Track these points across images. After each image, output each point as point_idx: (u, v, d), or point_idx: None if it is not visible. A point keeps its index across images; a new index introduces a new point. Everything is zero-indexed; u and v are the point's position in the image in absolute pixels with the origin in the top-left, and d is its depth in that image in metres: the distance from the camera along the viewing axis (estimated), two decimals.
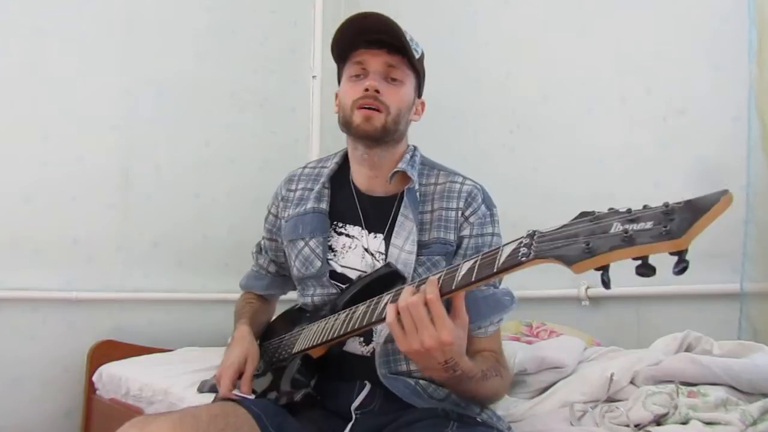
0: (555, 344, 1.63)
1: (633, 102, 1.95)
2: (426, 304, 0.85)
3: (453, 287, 0.85)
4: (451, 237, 1.14)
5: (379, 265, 1.14)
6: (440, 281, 0.87)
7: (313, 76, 2.92)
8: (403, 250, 1.11)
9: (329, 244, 1.20)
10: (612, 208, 0.69)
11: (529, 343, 1.73)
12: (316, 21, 2.96)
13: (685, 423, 1.10)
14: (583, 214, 0.71)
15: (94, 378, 2.11)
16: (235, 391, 1.10)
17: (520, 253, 0.75)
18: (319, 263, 1.17)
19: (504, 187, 2.23)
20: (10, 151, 2.14)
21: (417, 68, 1.18)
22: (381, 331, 1.10)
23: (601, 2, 2.07)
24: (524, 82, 2.26)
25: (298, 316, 1.26)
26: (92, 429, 2.13)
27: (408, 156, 1.19)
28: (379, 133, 1.13)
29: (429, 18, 2.55)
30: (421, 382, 1.11)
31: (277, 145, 2.81)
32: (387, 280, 1.08)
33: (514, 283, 1.23)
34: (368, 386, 1.11)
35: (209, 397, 1.39)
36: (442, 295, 0.86)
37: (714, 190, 0.61)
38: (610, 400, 1.28)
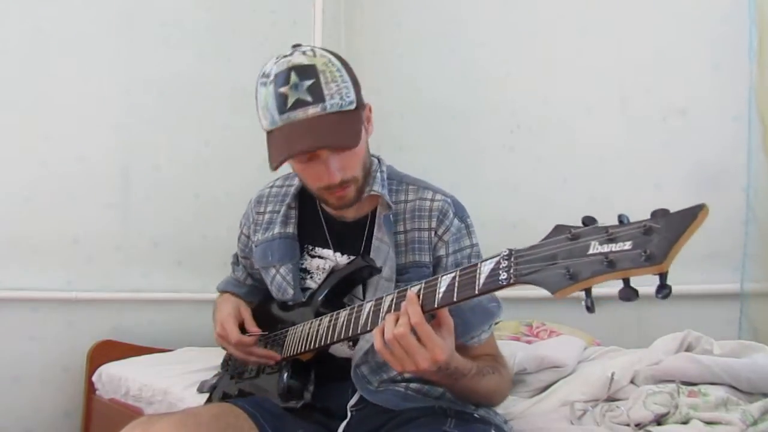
0: (555, 344, 1.63)
1: (633, 102, 1.96)
2: (412, 329, 0.84)
3: (435, 305, 0.84)
4: (426, 259, 1.09)
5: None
6: (420, 297, 0.85)
7: None
8: (381, 277, 1.08)
9: (303, 266, 1.18)
10: (587, 220, 0.67)
11: (529, 343, 1.73)
12: (316, 21, 2.95)
13: (685, 422, 1.10)
14: (558, 229, 0.70)
15: (94, 378, 2.11)
16: (247, 335, 1.16)
17: (499, 277, 0.74)
18: (291, 291, 1.17)
19: (504, 187, 2.24)
20: (10, 151, 2.13)
21: (358, 114, 1.04)
22: (358, 350, 1.09)
23: (601, 2, 2.07)
24: (524, 82, 2.26)
25: (276, 309, 1.26)
26: (92, 429, 2.13)
27: (378, 175, 1.11)
28: (355, 201, 1.07)
29: (429, 18, 2.54)
30: (412, 385, 1.10)
31: None
32: (363, 272, 1.09)
33: None
34: None
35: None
36: (423, 312, 0.84)
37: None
38: (611, 399, 1.28)
